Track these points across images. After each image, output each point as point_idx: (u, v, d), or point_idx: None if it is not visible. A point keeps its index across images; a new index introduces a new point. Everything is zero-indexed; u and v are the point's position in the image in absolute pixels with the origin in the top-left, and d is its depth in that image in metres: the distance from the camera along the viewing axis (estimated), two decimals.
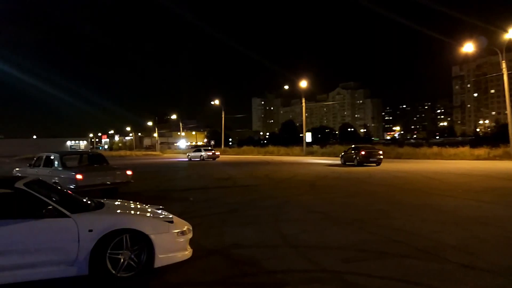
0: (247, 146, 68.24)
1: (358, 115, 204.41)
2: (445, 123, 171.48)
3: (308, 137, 58.82)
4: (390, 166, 23.82)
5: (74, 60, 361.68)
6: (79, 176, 10.50)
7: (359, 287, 4.16)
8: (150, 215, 5.04)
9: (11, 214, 4.25)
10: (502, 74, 30.63)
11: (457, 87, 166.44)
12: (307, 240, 6.24)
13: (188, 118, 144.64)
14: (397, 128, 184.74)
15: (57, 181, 10.44)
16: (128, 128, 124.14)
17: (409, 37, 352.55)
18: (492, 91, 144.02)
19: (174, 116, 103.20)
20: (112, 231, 4.35)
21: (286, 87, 69.24)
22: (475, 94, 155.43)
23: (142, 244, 4.48)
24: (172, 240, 4.70)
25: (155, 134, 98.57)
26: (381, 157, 25.22)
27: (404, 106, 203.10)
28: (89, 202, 5.11)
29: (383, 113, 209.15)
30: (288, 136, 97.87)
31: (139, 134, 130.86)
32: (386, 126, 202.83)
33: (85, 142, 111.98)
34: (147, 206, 5.60)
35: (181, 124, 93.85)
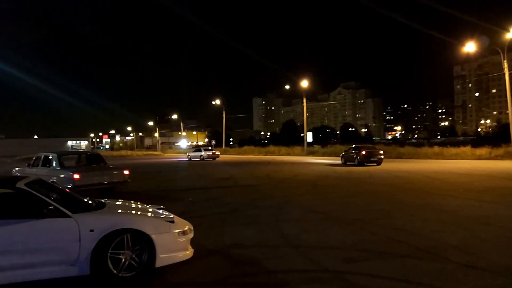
0: (248, 146, 68.26)
1: (359, 115, 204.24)
2: (447, 123, 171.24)
3: (309, 137, 58.75)
4: (391, 166, 23.80)
5: (74, 60, 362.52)
6: (76, 176, 10.62)
7: (360, 287, 4.16)
8: (151, 215, 5.04)
9: (12, 214, 4.26)
10: (504, 74, 30.59)
11: (458, 86, 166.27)
12: (308, 240, 6.24)
13: (189, 118, 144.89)
14: (398, 128, 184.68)
15: (55, 180, 10.48)
16: (129, 128, 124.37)
17: (410, 36, 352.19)
18: (494, 90, 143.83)
19: (175, 116, 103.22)
20: (113, 231, 4.36)
21: (287, 87, 69.12)
22: (477, 94, 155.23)
23: (143, 244, 4.48)
24: (173, 240, 4.70)
25: (156, 134, 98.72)
26: (382, 157, 25.20)
27: (405, 105, 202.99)
28: (90, 202, 5.12)
29: (384, 113, 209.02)
30: (289, 136, 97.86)
31: (140, 134, 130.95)
32: (387, 126, 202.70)
33: (86, 142, 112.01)
34: (148, 206, 5.61)
35: (182, 124, 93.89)
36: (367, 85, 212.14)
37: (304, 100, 51.34)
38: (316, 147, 52.75)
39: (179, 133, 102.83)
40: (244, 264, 5.02)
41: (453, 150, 32.96)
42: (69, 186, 10.12)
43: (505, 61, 29.79)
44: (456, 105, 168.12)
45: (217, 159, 40.12)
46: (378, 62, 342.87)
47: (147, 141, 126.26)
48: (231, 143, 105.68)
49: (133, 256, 4.46)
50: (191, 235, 4.99)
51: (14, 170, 13.99)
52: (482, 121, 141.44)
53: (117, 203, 5.60)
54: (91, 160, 13.21)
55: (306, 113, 54.26)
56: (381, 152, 25.75)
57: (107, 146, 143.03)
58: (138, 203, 5.87)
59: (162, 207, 5.62)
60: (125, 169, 12.33)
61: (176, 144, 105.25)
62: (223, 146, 66.68)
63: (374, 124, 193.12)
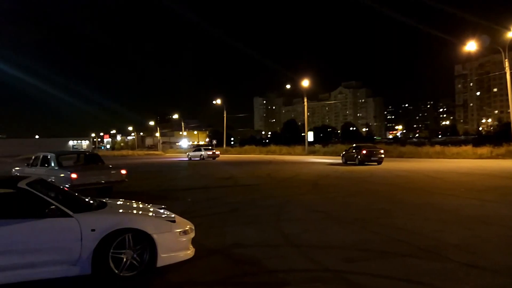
0: (249, 145, 68.26)
1: (360, 114, 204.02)
2: (448, 122, 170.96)
3: (310, 136, 58.78)
4: (392, 165, 23.78)
5: (74, 60, 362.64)
6: (74, 175, 10.78)
7: (361, 287, 4.16)
8: (152, 215, 5.05)
9: (14, 213, 4.27)
10: (505, 73, 30.55)
11: (459, 85, 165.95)
12: (308, 239, 6.24)
13: (190, 118, 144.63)
14: (400, 127, 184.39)
15: (53, 180, 10.57)
16: (130, 128, 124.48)
17: (411, 35, 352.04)
18: (495, 89, 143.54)
19: (176, 116, 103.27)
20: (114, 231, 4.37)
21: (288, 86, 69.10)
22: (478, 93, 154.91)
23: (145, 243, 4.49)
24: (175, 240, 4.71)
25: (157, 134, 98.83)
26: (382, 156, 25.19)
27: (407, 105, 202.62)
28: (91, 201, 5.13)
29: (385, 112, 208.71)
30: (290, 136, 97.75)
31: (141, 133, 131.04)
32: (388, 125, 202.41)
33: (87, 141, 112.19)
34: (149, 206, 5.61)
35: (183, 123, 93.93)
36: (368, 85, 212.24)
37: (305, 100, 51.31)
38: (317, 146, 52.77)
39: (180, 132, 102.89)
40: (245, 264, 5.03)
41: (454, 149, 32.93)
42: (67, 186, 10.19)
43: (506, 60, 29.74)
44: (457, 104, 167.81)
45: (217, 158, 40.12)
46: (379, 61, 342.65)
47: (148, 141, 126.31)
48: (232, 142, 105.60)
49: (135, 255, 4.46)
50: (192, 235, 4.99)
51: (13, 170, 14.16)
52: (484, 120, 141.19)
53: (119, 202, 5.61)
54: (89, 159, 13.36)
55: (307, 112, 54.23)
56: (382, 151, 25.74)
57: (108, 146, 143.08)
58: (139, 202, 5.88)
59: (163, 206, 5.63)
60: (123, 169, 12.46)
61: (177, 143, 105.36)
62: (224, 145, 66.69)
63: (375, 124, 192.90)
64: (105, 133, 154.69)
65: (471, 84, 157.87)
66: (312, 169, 22.84)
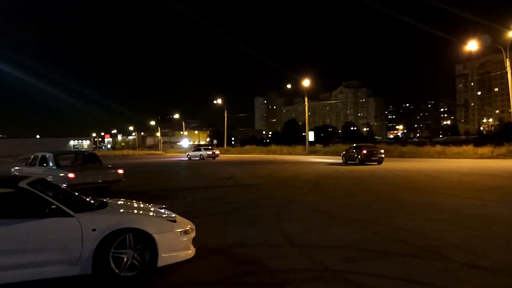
0: (249, 145, 68.32)
1: (361, 114, 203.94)
2: (449, 122, 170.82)
3: (311, 136, 58.69)
4: (393, 165, 23.77)
5: (75, 60, 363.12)
6: (71, 175, 10.92)
7: (361, 287, 4.16)
8: (153, 215, 5.06)
9: (15, 213, 4.28)
10: (506, 72, 30.53)
11: (460, 85, 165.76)
12: (309, 239, 6.24)
13: (190, 118, 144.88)
14: (400, 127, 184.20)
15: (51, 179, 10.63)
16: (131, 128, 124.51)
17: (412, 35, 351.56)
18: (496, 89, 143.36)
19: (176, 116, 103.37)
20: (115, 230, 4.37)
21: (289, 86, 69.04)
22: (479, 93, 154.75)
23: (146, 243, 4.49)
24: (175, 239, 4.71)
25: (158, 134, 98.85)
26: (383, 156, 25.19)
27: (407, 104, 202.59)
28: (92, 201, 5.14)
29: (386, 112, 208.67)
30: (290, 135, 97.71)
31: (142, 133, 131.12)
32: (389, 125, 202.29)
33: (88, 141, 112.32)
34: (150, 206, 5.62)
35: (183, 123, 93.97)
36: (369, 84, 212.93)
37: (306, 99, 51.30)
38: (318, 146, 52.75)
39: (181, 132, 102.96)
40: (246, 264, 5.03)
41: (455, 149, 32.92)
42: (64, 185, 10.26)
43: (507, 59, 29.71)
44: (458, 104, 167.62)
45: (217, 158, 40.14)
46: (380, 61, 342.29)
47: (149, 141, 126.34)
48: (233, 142, 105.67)
49: (135, 255, 4.47)
50: (193, 235, 5.00)
51: (12, 169, 14.31)
52: (484, 120, 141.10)
53: (119, 202, 5.62)
54: (86, 159, 13.48)
55: (308, 112, 54.22)
56: (382, 151, 25.74)
57: (109, 146, 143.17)
58: (140, 202, 5.88)
59: (164, 206, 5.64)
60: (120, 168, 12.58)
61: (178, 143, 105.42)
62: (225, 145, 66.75)
63: (376, 123, 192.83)
64: (105, 133, 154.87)
65: (472, 83, 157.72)
66: (313, 169, 22.84)
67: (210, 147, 47.37)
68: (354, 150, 26.18)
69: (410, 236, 6.26)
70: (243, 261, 5.13)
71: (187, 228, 4.93)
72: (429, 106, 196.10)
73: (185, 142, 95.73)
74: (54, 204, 4.30)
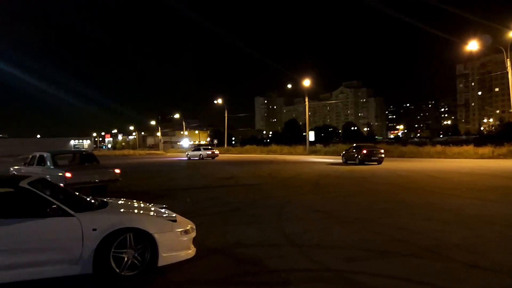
0: (250, 145, 68.35)
1: (362, 114, 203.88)
2: (449, 122, 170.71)
3: (311, 136, 58.76)
4: (393, 165, 23.76)
5: (75, 60, 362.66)
6: (68, 174, 11.08)
7: (362, 286, 4.16)
8: (153, 214, 5.06)
9: (15, 213, 4.28)
10: (507, 72, 30.51)
11: (461, 85, 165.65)
12: (310, 239, 6.24)
13: (191, 117, 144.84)
14: (401, 127, 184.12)
15: (49, 179, 10.72)
16: (131, 127, 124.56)
17: (412, 35, 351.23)
18: (497, 89, 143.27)
19: (177, 115, 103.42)
20: (116, 230, 4.37)
21: (289, 86, 69.02)
22: (479, 93, 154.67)
23: (146, 243, 4.49)
24: (176, 239, 4.71)
25: (158, 133, 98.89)
26: (383, 155, 25.20)
27: (408, 104, 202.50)
28: (92, 201, 5.14)
29: (387, 112, 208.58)
30: (291, 135, 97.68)
31: (142, 133, 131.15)
32: (389, 125, 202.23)
33: (88, 141, 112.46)
34: (150, 205, 5.62)
35: (184, 123, 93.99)
36: (369, 84, 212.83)
37: (306, 99, 51.28)
38: (318, 146, 52.75)
39: (181, 132, 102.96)
40: (246, 263, 5.03)
41: (455, 149, 32.91)
42: (62, 184, 10.33)
43: (508, 59, 29.70)
44: (459, 104, 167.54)
45: (216, 158, 40.20)
46: (380, 61, 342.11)
47: (150, 140, 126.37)
48: (233, 142, 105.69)
49: (136, 255, 4.47)
50: (193, 234, 5.00)
51: (11, 169, 14.48)
52: (485, 120, 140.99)
53: (120, 202, 5.62)
54: (84, 159, 13.69)
55: (308, 112, 54.20)
56: (382, 151, 25.77)
57: (109, 146, 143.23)
58: (141, 202, 5.88)
59: (164, 206, 5.64)
60: (116, 168, 12.80)
61: (178, 143, 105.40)
62: (225, 145, 66.77)
63: (376, 123, 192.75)
64: (106, 133, 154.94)
65: (473, 83, 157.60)
66: (313, 168, 22.83)
67: (209, 147, 47.50)
68: (354, 150, 26.20)
69: (410, 236, 6.25)
70: (244, 261, 5.13)
71: (188, 227, 4.93)
72: (430, 106, 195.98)
73: (185, 142, 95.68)
74: (55, 204, 4.30)
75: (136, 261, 4.46)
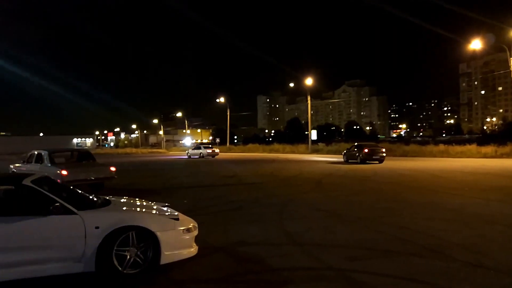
0: (252, 143, 68.46)
1: (364, 113, 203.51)
2: (452, 121, 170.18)
3: (314, 135, 58.79)
4: (396, 164, 23.72)
5: (76, 59, 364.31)
6: (64, 172, 11.31)
7: (364, 285, 4.15)
8: (156, 213, 5.06)
9: (18, 211, 4.29)
10: (510, 71, 30.37)
11: (464, 84, 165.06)
12: (312, 238, 6.24)
13: (193, 116, 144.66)
14: (403, 125, 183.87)
15: None
16: (134, 126, 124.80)
17: (415, 34, 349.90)
18: (500, 88, 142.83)
19: (179, 114, 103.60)
20: (118, 228, 4.38)
21: (292, 84, 69.16)
22: (483, 92, 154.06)
23: (148, 241, 4.50)
24: (178, 237, 4.72)
25: (161, 132, 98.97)
26: (384, 155, 25.22)
27: (411, 103, 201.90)
28: (95, 199, 5.15)
29: (389, 111, 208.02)
30: (293, 134, 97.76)
31: (145, 131, 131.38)
32: (392, 123, 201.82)
33: (91, 139, 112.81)
34: (153, 204, 5.63)
35: (186, 121, 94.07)
36: (372, 83, 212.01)
37: (309, 98, 51.20)
38: (321, 145, 52.78)
39: (184, 131, 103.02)
40: (248, 262, 5.03)
41: (458, 148, 32.83)
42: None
43: (511, 58, 29.55)
44: (462, 103, 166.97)
45: (216, 156, 40.37)
46: (383, 59, 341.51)
47: (152, 139, 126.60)
48: (236, 141, 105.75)
49: (138, 253, 4.48)
50: (195, 233, 5.00)
51: (11, 166, 14.72)
52: (488, 119, 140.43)
53: (122, 200, 5.64)
54: (80, 157, 14.02)
55: (311, 111, 54.14)
56: (383, 150, 25.80)
57: (112, 144, 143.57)
58: (143, 200, 5.89)
59: (166, 204, 5.65)
60: (112, 166, 13.14)
61: (180, 141, 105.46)
62: (228, 143, 66.79)
63: (379, 122, 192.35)
64: (109, 131, 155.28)
65: (476, 82, 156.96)
66: (315, 167, 22.82)
67: (210, 146, 47.79)
68: (356, 149, 26.22)
69: (413, 235, 6.24)
70: (246, 260, 5.13)
71: (190, 226, 4.93)
72: (433, 105, 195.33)
73: (187, 141, 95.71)
74: (58, 202, 4.32)
75: (138, 259, 4.47)
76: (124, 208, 5.15)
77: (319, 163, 26.73)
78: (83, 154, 14.41)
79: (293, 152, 48.19)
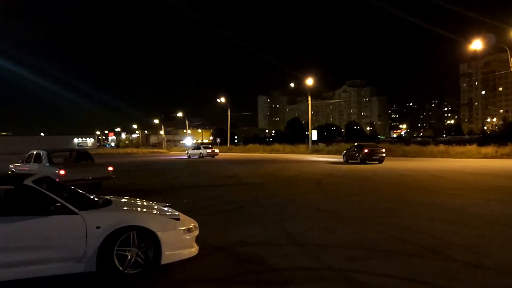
0: (252, 144, 68.48)
1: (364, 113, 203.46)
2: (452, 121, 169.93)
3: (314, 135, 58.81)
4: (396, 164, 23.72)
5: (77, 59, 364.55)
6: (62, 172, 11.41)
7: (364, 286, 4.16)
8: (156, 213, 5.07)
9: (19, 211, 4.30)
10: (511, 72, 30.37)
11: (464, 84, 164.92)
12: (312, 238, 6.25)
13: (194, 116, 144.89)
14: (404, 126, 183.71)
15: None
16: (135, 126, 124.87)
17: (416, 34, 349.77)
18: (500, 88, 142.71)
19: (180, 114, 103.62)
20: (119, 228, 4.39)
21: (292, 84, 69.35)
22: (483, 92, 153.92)
23: (149, 241, 4.51)
24: (179, 237, 4.73)
25: (162, 132, 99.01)
26: (384, 155, 25.24)
27: (411, 104, 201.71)
28: (96, 199, 5.16)
29: (390, 111, 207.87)
30: (293, 134, 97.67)
31: (146, 131, 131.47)
32: (392, 124, 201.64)
33: (92, 139, 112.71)
34: (153, 204, 5.64)
35: (187, 122, 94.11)
36: (372, 83, 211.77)
37: (309, 98, 51.19)
38: (321, 145, 52.80)
39: (185, 131, 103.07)
40: (249, 262, 5.04)
41: (458, 149, 32.82)
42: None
43: (511, 58, 29.54)
44: (462, 103, 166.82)
45: (216, 157, 40.45)
46: (384, 60, 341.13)
47: (153, 139, 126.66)
48: (236, 141, 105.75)
49: (139, 253, 4.49)
50: (196, 233, 5.02)
51: (10, 166, 14.82)
52: (488, 120, 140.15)
53: (123, 200, 5.65)
54: (79, 157, 14.14)
55: (311, 111, 54.14)
56: (383, 150, 25.81)
57: (112, 144, 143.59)
58: (144, 200, 5.90)
59: (167, 204, 5.66)
60: (109, 166, 13.25)
61: (181, 142, 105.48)
62: (228, 144, 66.79)
63: (379, 123, 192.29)
64: (109, 131, 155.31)
65: (476, 83, 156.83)
66: (316, 167, 22.82)
67: (210, 146, 48.01)
68: (355, 149, 26.24)
69: (413, 235, 6.25)
70: (246, 260, 5.14)
71: (191, 226, 4.95)
72: (433, 105, 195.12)
73: (188, 141, 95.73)
74: (59, 202, 4.33)
75: (139, 259, 4.49)
76: (125, 208, 5.15)
77: (319, 163, 26.73)
78: (81, 154, 14.56)
79: (294, 152, 48.19)
